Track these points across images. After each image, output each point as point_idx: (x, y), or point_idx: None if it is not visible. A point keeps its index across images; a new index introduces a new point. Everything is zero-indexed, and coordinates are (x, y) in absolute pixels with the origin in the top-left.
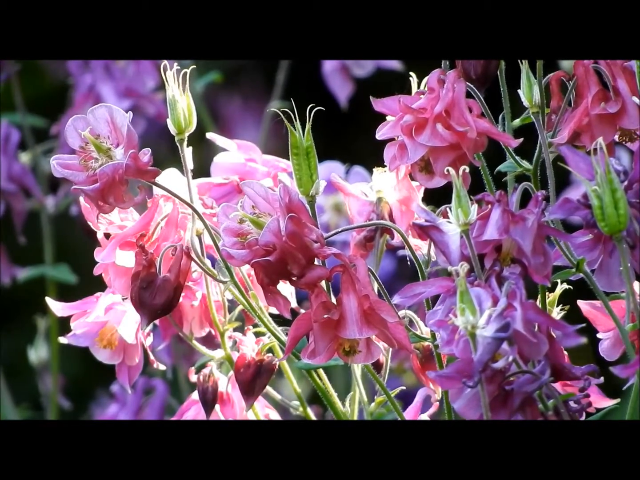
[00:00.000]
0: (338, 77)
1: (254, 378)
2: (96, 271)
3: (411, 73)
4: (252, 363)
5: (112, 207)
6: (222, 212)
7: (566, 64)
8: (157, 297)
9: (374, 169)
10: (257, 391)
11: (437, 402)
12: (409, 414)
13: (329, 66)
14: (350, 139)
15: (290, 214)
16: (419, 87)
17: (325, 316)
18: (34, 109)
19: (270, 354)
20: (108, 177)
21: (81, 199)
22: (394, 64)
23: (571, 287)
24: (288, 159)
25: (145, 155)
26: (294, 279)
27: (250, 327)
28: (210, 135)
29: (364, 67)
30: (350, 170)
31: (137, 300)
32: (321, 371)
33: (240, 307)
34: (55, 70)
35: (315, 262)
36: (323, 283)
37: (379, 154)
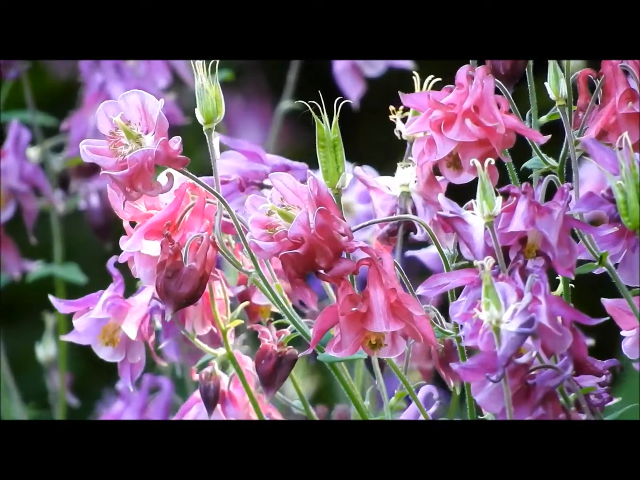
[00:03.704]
0: (349, 76)
1: (275, 370)
2: (121, 259)
3: (414, 72)
4: (274, 355)
5: (140, 194)
6: (250, 204)
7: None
8: (183, 287)
9: (397, 164)
10: (278, 383)
11: (439, 401)
12: (411, 413)
13: (340, 65)
14: (357, 137)
15: (320, 207)
16: (421, 86)
17: (353, 309)
18: (43, 107)
19: (291, 346)
20: (138, 163)
21: (108, 185)
22: (406, 64)
23: (573, 286)
24: (293, 159)
25: (176, 143)
26: (321, 271)
27: (272, 318)
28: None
29: (375, 67)
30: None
31: (162, 289)
32: (343, 365)
33: (242, 305)
34: (58, 69)
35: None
36: (349, 276)
37: (384, 152)
